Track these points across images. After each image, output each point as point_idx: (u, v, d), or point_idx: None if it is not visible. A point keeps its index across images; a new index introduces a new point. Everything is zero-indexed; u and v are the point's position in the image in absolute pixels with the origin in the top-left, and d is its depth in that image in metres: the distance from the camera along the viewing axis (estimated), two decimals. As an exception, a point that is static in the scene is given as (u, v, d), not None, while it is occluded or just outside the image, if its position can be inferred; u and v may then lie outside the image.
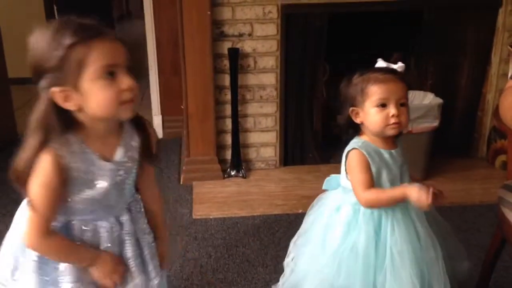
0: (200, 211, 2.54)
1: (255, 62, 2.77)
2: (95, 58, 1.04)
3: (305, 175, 2.90)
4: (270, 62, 2.77)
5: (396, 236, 1.41)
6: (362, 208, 1.44)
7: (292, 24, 2.74)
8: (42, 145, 1.07)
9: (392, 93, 1.40)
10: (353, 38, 2.86)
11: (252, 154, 2.95)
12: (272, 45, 2.75)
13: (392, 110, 1.39)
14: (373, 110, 1.41)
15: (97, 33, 1.05)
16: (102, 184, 1.15)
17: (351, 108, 1.46)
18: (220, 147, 2.88)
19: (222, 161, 2.88)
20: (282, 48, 2.76)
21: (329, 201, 1.55)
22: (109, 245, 1.20)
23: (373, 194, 1.40)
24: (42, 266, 1.17)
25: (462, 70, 2.98)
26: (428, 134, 2.70)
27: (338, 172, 1.54)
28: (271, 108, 2.87)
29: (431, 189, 1.30)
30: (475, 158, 3.09)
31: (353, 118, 1.46)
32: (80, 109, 1.08)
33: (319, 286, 1.46)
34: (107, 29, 1.08)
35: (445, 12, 2.87)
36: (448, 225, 1.58)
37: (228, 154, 2.91)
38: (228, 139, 2.88)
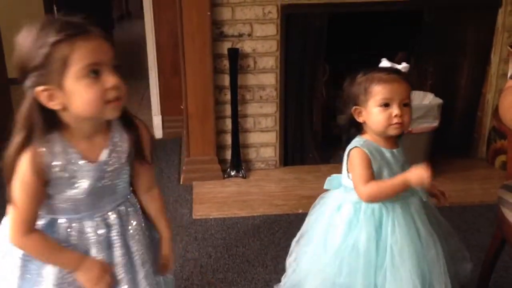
0: (200, 211, 2.54)
1: (255, 62, 2.77)
2: (79, 56, 1.03)
3: (305, 175, 2.90)
4: (270, 62, 2.77)
5: (396, 235, 1.41)
6: (363, 207, 1.44)
7: (292, 24, 2.74)
8: (25, 144, 1.07)
9: (396, 93, 1.40)
10: (353, 38, 2.86)
11: (252, 154, 2.94)
12: (272, 45, 2.74)
13: (395, 110, 1.40)
14: (376, 110, 1.41)
15: (82, 31, 1.04)
16: (83, 184, 1.13)
17: (354, 107, 1.46)
18: (220, 147, 2.88)
19: (222, 161, 2.88)
20: (282, 48, 2.76)
21: (330, 200, 1.55)
22: (96, 249, 1.17)
23: (374, 186, 1.40)
24: (27, 264, 1.16)
25: (462, 70, 2.98)
26: (428, 134, 2.70)
27: (338, 172, 1.54)
28: (271, 108, 2.87)
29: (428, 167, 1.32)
30: (475, 158, 3.09)
31: (356, 117, 1.46)
32: (65, 109, 1.07)
33: (321, 285, 1.47)
34: (93, 27, 1.06)
35: (445, 12, 2.87)
36: (450, 226, 1.58)
37: (228, 154, 2.90)
38: (228, 139, 2.88)
